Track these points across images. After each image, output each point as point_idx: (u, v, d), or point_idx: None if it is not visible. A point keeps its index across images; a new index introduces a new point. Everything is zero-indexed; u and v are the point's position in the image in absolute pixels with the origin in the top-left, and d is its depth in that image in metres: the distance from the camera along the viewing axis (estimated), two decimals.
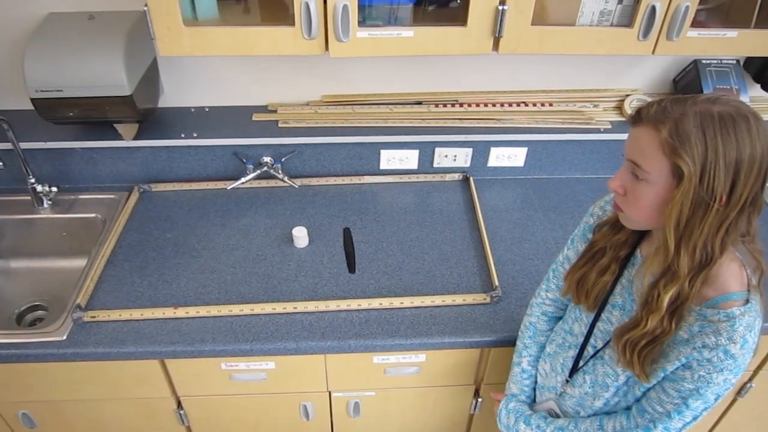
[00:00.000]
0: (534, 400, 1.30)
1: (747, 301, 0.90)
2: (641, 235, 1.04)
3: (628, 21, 1.36)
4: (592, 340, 1.12)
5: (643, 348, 0.95)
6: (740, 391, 1.74)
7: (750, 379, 1.71)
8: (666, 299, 0.90)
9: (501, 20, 1.30)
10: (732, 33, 1.40)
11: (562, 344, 1.20)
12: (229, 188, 1.81)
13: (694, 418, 0.97)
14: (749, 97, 1.77)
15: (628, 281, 1.05)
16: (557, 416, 1.21)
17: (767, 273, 0.95)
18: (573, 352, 1.16)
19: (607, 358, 1.07)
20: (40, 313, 1.71)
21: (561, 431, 1.15)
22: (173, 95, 1.79)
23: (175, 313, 1.43)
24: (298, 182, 1.82)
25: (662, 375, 0.97)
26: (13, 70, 1.58)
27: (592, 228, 1.12)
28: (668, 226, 0.87)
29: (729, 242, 0.88)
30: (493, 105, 1.83)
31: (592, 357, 1.11)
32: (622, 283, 1.06)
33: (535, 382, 1.30)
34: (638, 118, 0.89)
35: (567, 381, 1.17)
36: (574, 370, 1.15)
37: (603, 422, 1.09)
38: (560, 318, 1.27)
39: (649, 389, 1.01)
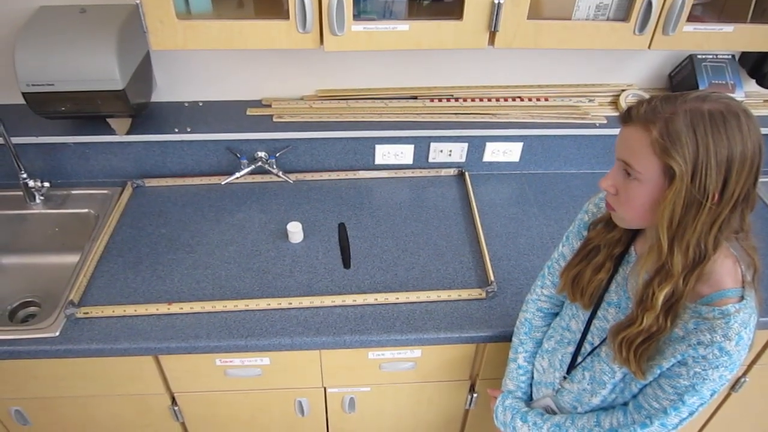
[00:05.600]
0: (530, 397, 1.31)
1: (742, 298, 0.90)
2: (635, 233, 1.04)
3: (624, 15, 1.35)
4: (589, 337, 1.12)
5: (639, 345, 0.95)
6: (734, 386, 1.75)
7: (744, 374, 1.72)
8: (661, 297, 0.90)
9: (497, 14, 1.29)
10: (728, 28, 1.39)
11: (560, 341, 1.20)
12: (223, 183, 1.80)
13: (690, 414, 0.98)
14: (744, 93, 1.77)
15: (623, 279, 1.05)
16: (554, 413, 1.21)
17: (761, 269, 0.95)
18: (571, 349, 1.16)
19: (603, 356, 1.07)
20: (32, 309, 1.70)
21: (558, 428, 1.15)
22: (166, 89, 1.78)
23: (169, 308, 1.42)
24: (292, 177, 1.81)
25: (658, 372, 0.97)
26: (4, 64, 1.56)
27: (587, 225, 1.12)
28: (661, 225, 0.87)
29: (722, 239, 0.88)
30: (489, 100, 1.82)
31: (589, 354, 1.11)
32: (617, 280, 1.06)
33: (532, 378, 1.30)
34: (628, 117, 0.88)
35: (565, 377, 1.17)
36: (572, 366, 1.15)
37: (600, 418, 1.09)
38: (556, 314, 1.27)
39: (645, 386, 1.02)
